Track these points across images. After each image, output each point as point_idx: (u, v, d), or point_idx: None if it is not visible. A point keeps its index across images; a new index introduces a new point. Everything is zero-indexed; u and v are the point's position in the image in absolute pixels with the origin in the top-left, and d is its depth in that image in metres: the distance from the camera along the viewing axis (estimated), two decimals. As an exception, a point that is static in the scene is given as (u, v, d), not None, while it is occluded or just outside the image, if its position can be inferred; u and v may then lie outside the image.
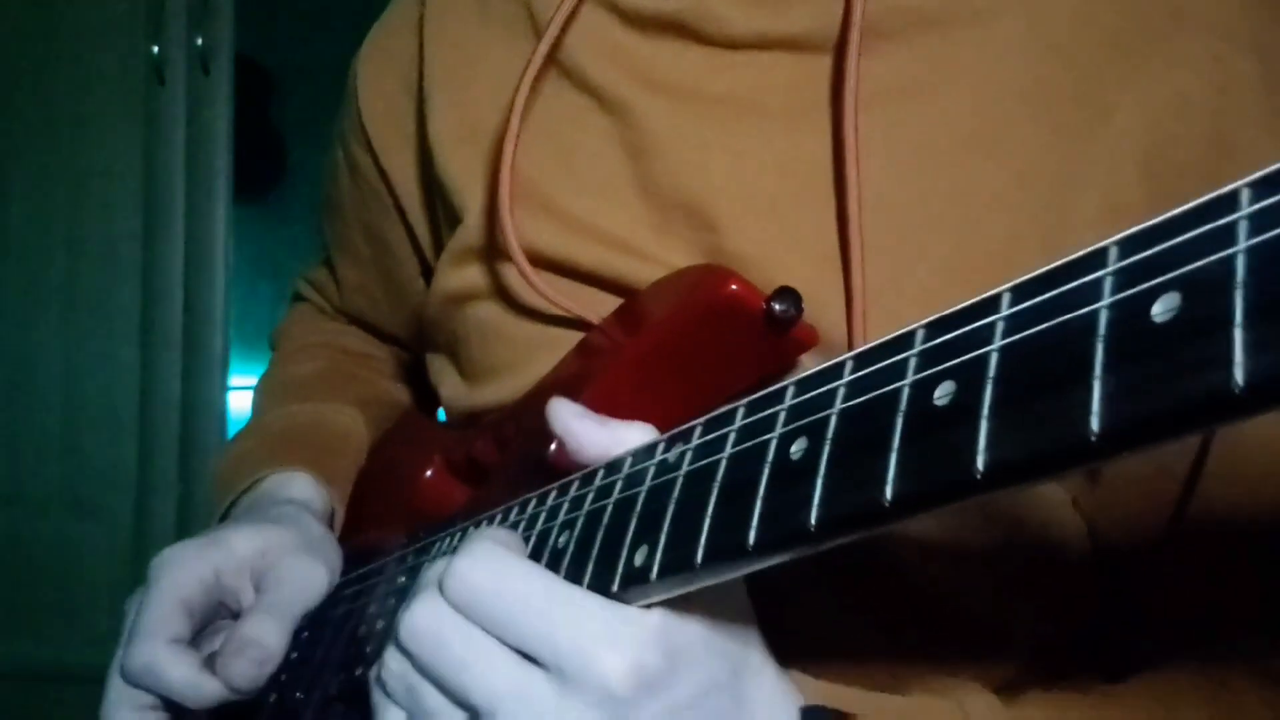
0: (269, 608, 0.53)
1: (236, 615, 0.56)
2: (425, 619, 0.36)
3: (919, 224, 0.47)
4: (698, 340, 0.48)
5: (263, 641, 0.51)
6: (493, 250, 0.57)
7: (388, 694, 0.39)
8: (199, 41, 1.62)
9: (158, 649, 0.50)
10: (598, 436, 0.40)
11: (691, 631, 0.35)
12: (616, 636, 0.34)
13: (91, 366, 1.64)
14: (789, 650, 0.40)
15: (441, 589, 0.36)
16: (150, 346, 1.64)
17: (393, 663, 0.38)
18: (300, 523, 0.59)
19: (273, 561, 0.55)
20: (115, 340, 1.64)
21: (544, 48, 0.53)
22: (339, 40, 0.79)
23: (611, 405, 0.48)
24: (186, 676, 0.50)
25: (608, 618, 0.34)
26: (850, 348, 0.46)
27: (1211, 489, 0.44)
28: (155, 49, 1.61)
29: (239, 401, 1.77)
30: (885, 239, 0.46)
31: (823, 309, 0.46)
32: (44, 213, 1.65)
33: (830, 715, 0.38)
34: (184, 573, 0.53)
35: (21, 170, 1.64)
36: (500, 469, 0.56)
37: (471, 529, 0.48)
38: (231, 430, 1.61)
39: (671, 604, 0.35)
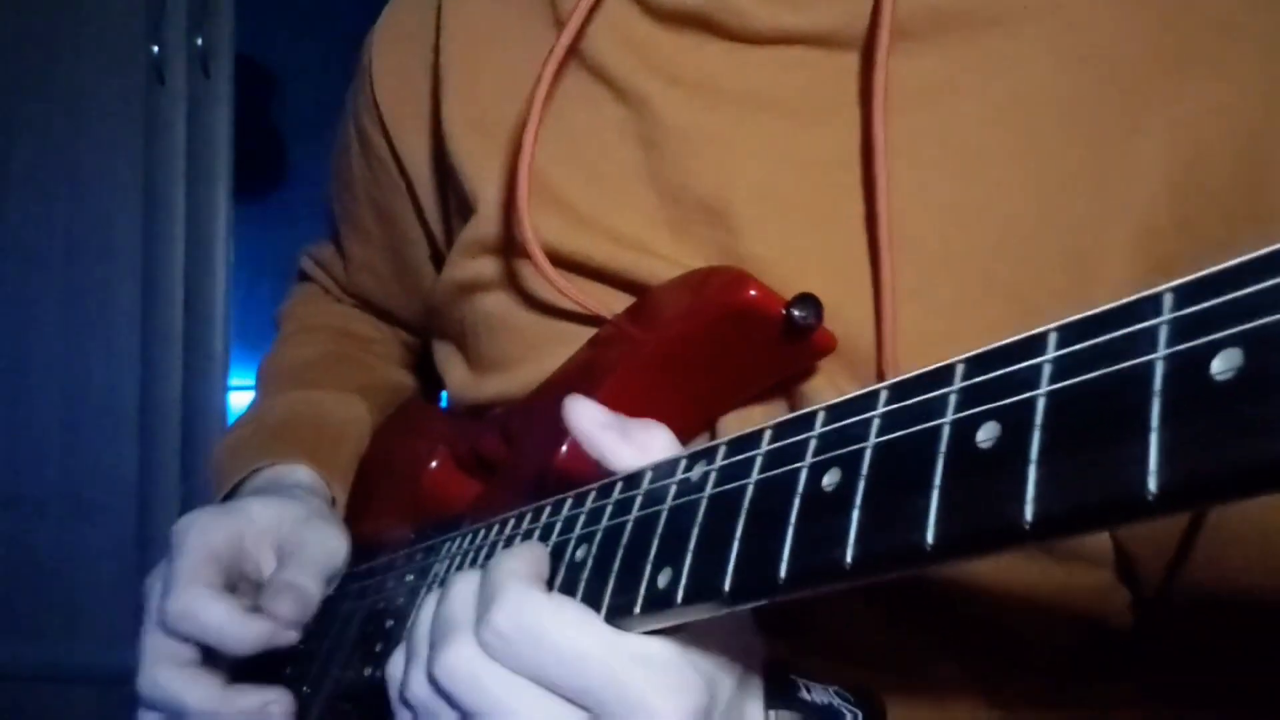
0: (301, 563, 0.54)
1: (257, 585, 0.55)
2: (462, 664, 0.35)
3: (944, 231, 0.46)
4: (713, 343, 0.47)
5: (301, 584, 0.52)
6: (507, 243, 0.57)
7: None
8: (199, 41, 1.61)
9: (197, 593, 0.50)
10: (625, 456, 0.39)
11: (714, 657, 0.35)
12: (663, 684, 0.33)
13: (91, 366, 1.63)
14: (808, 648, 0.40)
15: (477, 635, 0.35)
16: (150, 346, 1.63)
17: (431, 701, 0.37)
18: (309, 501, 0.60)
19: (290, 531, 0.56)
20: (115, 340, 1.63)
21: (566, 39, 0.52)
22: (339, 40, 0.78)
23: (623, 403, 0.48)
24: (229, 616, 0.50)
25: (649, 663, 0.34)
26: (879, 356, 0.45)
27: (1243, 516, 0.43)
28: (155, 49, 1.60)
29: (239, 401, 1.76)
30: (911, 244, 0.45)
31: (842, 313, 0.46)
32: (44, 213, 1.64)
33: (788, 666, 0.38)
34: (210, 534, 0.53)
35: (21, 170, 1.64)
36: (507, 465, 0.56)
37: (493, 543, 0.47)
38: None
39: (688, 626, 0.34)
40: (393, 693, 0.40)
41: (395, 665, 0.41)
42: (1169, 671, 0.47)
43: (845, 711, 0.39)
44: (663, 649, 0.34)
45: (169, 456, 1.64)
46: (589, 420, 0.40)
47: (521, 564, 0.38)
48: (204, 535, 0.53)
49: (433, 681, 0.37)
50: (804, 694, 0.38)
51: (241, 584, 0.55)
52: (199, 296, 1.64)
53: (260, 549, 0.55)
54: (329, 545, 0.56)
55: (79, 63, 1.62)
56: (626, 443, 0.39)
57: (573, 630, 0.34)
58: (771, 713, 0.37)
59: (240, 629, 0.50)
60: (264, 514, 0.56)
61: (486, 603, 0.36)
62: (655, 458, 0.38)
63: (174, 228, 1.64)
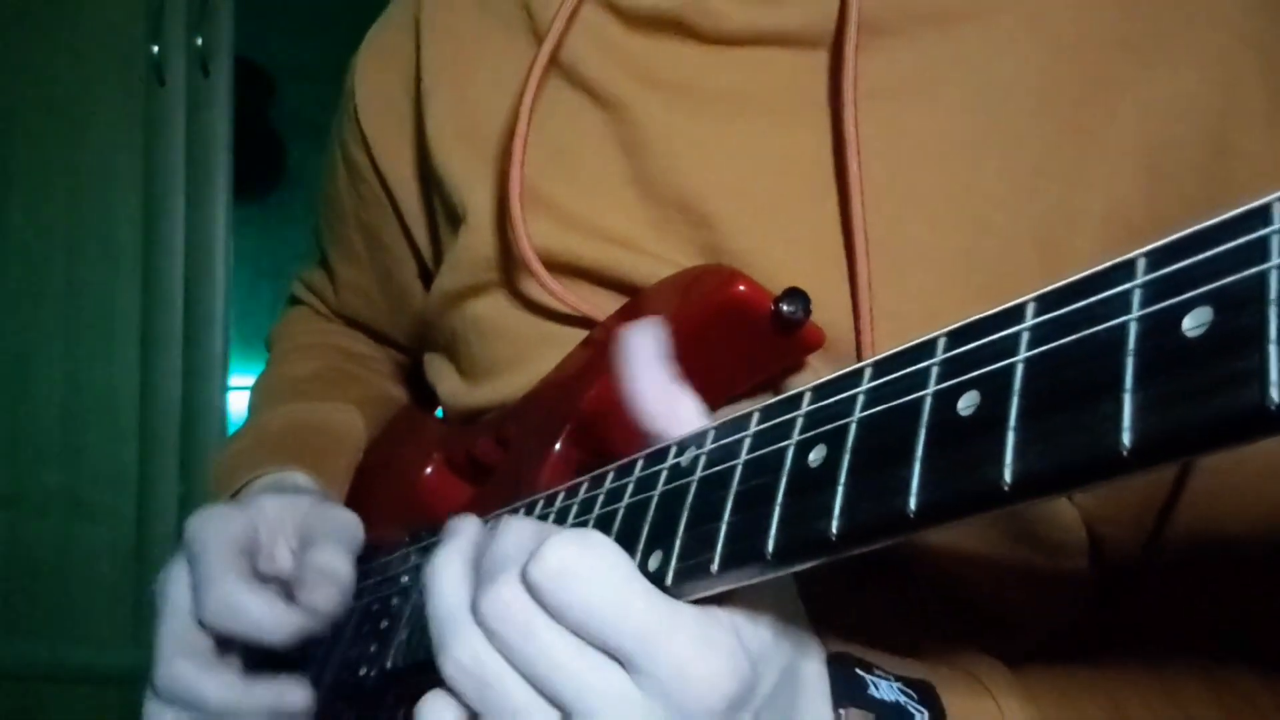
0: (327, 542, 0.53)
1: (271, 579, 0.55)
2: (509, 607, 0.33)
3: (920, 222, 0.47)
4: (704, 340, 0.48)
5: (336, 568, 0.52)
6: (498, 250, 0.57)
7: (458, 683, 0.35)
8: (199, 42, 1.61)
9: (235, 585, 0.50)
10: (659, 402, 0.38)
11: (764, 629, 0.35)
12: (714, 645, 0.32)
13: (91, 366, 1.64)
14: None
15: (527, 574, 0.33)
16: (150, 346, 1.64)
17: (467, 654, 0.35)
18: (314, 493, 0.60)
19: (306, 515, 0.56)
20: (115, 340, 1.64)
21: (547, 49, 0.53)
22: (339, 40, 0.79)
23: (616, 403, 0.48)
24: (269, 607, 0.50)
25: (700, 627, 0.32)
26: (857, 345, 0.46)
27: (1204, 488, 0.44)
28: (155, 49, 1.61)
29: (239, 401, 1.76)
30: (886, 236, 0.46)
31: (824, 306, 0.46)
32: (44, 213, 1.64)
33: (853, 661, 0.38)
34: (229, 524, 0.53)
35: (21, 170, 1.64)
36: (502, 468, 0.56)
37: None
38: (231, 430, 1.60)
39: (742, 600, 0.34)
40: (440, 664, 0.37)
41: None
42: (1139, 652, 0.48)
43: (914, 712, 0.38)
44: (715, 618, 0.33)
45: (168, 457, 1.64)
46: (642, 348, 0.39)
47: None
48: (224, 525, 0.53)
49: (484, 631, 0.34)
50: (873, 691, 0.38)
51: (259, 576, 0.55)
52: (198, 296, 1.65)
53: (274, 541, 0.55)
54: (347, 521, 0.56)
55: (79, 63, 1.63)
56: (666, 393, 0.38)
57: (636, 577, 0.33)
58: (841, 711, 0.37)
59: (279, 620, 0.50)
60: (274, 505, 0.56)
61: (545, 536, 0.34)
62: (684, 425, 0.37)
63: (174, 228, 1.64)
